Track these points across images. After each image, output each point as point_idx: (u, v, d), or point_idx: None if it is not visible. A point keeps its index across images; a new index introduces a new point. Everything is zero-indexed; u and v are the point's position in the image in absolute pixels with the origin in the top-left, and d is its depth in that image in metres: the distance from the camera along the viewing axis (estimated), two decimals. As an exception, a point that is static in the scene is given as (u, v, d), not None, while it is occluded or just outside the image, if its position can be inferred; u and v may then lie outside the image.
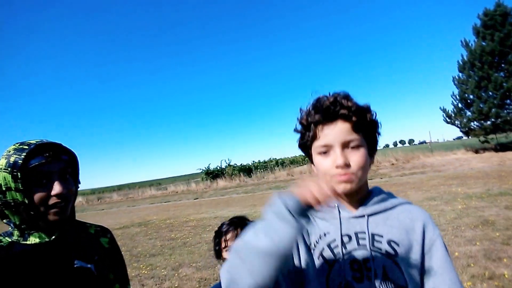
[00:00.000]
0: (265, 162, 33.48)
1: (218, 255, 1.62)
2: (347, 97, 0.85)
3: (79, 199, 33.21)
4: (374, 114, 0.88)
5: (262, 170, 29.61)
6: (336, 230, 0.89)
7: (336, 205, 0.91)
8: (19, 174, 0.91)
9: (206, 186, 27.28)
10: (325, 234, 0.90)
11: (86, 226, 1.16)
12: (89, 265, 1.02)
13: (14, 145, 0.96)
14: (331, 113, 0.82)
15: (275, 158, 35.23)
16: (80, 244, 1.06)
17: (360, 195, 0.90)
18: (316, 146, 0.86)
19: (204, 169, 31.14)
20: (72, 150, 1.06)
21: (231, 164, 31.11)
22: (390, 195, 0.96)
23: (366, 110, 0.86)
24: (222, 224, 1.68)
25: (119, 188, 52.38)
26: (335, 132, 0.82)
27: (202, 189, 26.27)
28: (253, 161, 33.31)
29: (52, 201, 0.94)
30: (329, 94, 0.87)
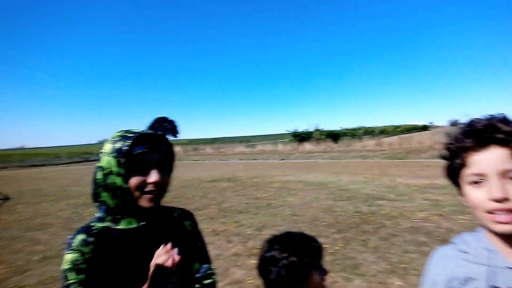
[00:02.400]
0: (353, 129, 32.14)
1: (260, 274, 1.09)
2: (505, 120, 0.73)
3: (177, 148, 36.41)
4: None
5: (349, 137, 28.50)
6: (483, 280, 0.71)
7: (489, 248, 0.74)
8: (121, 160, 0.95)
9: (293, 148, 27.37)
10: (467, 280, 0.74)
11: (170, 210, 1.18)
12: (176, 248, 1.01)
13: (119, 132, 1.01)
14: (486, 138, 0.71)
15: (364, 127, 33.54)
16: (166, 228, 1.09)
17: None
18: (467, 175, 0.74)
19: (292, 131, 31.16)
20: (171, 142, 1.09)
21: (319, 128, 30.56)
22: None
23: None
24: (271, 246, 1.09)
25: (213, 141, 55.96)
26: (491, 159, 0.70)
27: (289, 151, 26.43)
28: (341, 128, 32.29)
29: (148, 188, 0.97)
30: (484, 117, 0.75)
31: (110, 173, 0.97)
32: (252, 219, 6.21)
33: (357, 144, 25.00)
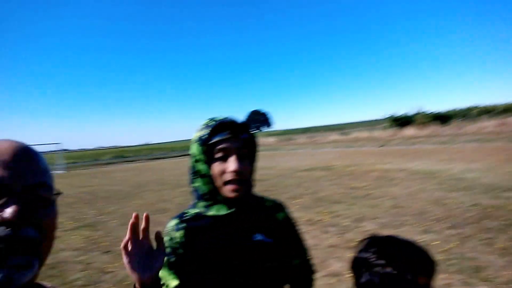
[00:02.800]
0: (465, 109, 28.57)
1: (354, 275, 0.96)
2: None
3: (272, 139, 37.45)
4: None
5: (460, 119, 25.57)
6: None
7: None
8: (203, 148, 0.99)
9: (392, 134, 25.85)
10: None
11: (263, 200, 1.16)
12: (268, 240, 1.04)
13: (206, 120, 1.04)
14: None
15: (479, 106, 29.38)
16: (258, 218, 1.08)
17: None
18: None
19: (390, 115, 29.34)
20: (252, 130, 1.06)
21: (422, 111, 28.09)
22: None
23: None
24: (368, 247, 0.95)
25: (305, 130, 56.01)
26: None
27: (387, 137, 25.04)
28: (450, 109, 29.01)
29: (228, 177, 0.96)
30: None
31: (197, 160, 1.01)
32: (349, 210, 6.10)
33: (471, 126, 22.36)
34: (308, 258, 1.18)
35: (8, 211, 0.51)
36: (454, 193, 6.66)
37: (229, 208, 1.01)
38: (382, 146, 20.16)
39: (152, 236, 0.83)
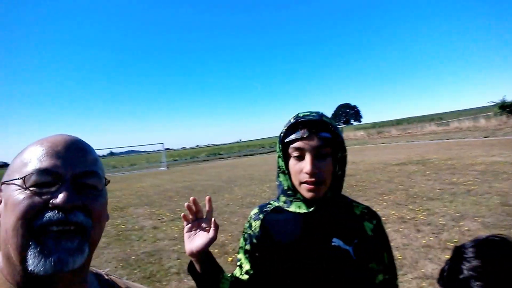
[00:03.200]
0: None
1: (445, 284, 0.83)
2: None
3: (360, 133, 35.97)
4: None
5: None
6: None
7: None
8: (280, 146, 1.01)
9: (500, 122, 22.67)
10: None
11: (352, 205, 1.06)
12: (347, 247, 0.96)
13: (293, 116, 1.02)
14: None
15: None
16: (341, 222, 1.00)
17: None
18: None
19: (498, 101, 25.72)
20: (336, 129, 0.98)
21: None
22: None
23: None
24: (464, 247, 0.81)
25: (398, 122, 52.52)
26: None
27: (495, 126, 22.07)
28: None
29: (303, 177, 0.94)
30: None
31: (279, 156, 1.03)
32: (447, 208, 5.61)
33: None
34: (394, 277, 1.02)
35: (60, 197, 0.55)
36: None
37: (309, 207, 0.99)
38: (486, 137, 17.82)
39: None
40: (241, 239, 1.12)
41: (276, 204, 1.08)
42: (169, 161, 33.20)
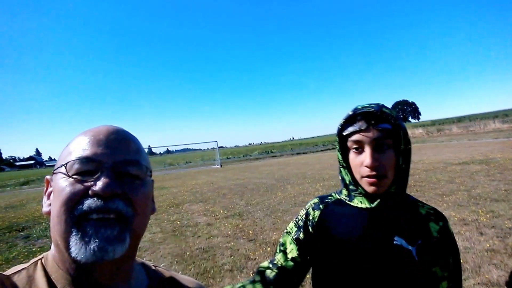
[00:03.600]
0: None
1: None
2: None
3: (419, 131, 34.14)
4: None
5: None
6: None
7: None
8: (338, 139, 1.00)
9: None
10: None
11: (417, 204, 1.00)
12: (410, 247, 0.90)
13: (359, 105, 0.97)
14: None
15: None
16: (405, 221, 0.94)
17: None
18: None
19: None
20: (398, 120, 0.92)
21: None
22: None
23: None
24: None
25: (459, 120, 48.94)
26: None
27: None
28: None
29: (364, 171, 0.91)
30: None
31: (338, 150, 1.01)
32: None
33: None
34: (459, 286, 0.95)
35: (99, 184, 0.55)
36: None
37: (371, 202, 0.95)
38: None
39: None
40: (292, 225, 1.11)
41: (337, 196, 1.06)
42: (223, 159, 34.25)
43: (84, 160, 0.58)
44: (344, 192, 1.03)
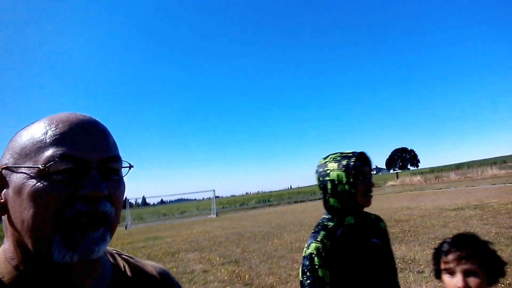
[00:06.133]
0: None
1: (437, 275, 1.31)
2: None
3: (417, 178, 34.33)
4: None
5: None
6: None
7: None
8: (352, 172, 1.29)
9: None
10: None
11: (368, 213, 1.49)
12: (379, 242, 1.35)
13: (336, 154, 1.39)
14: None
15: None
16: (371, 226, 1.41)
17: None
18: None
19: None
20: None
21: None
22: None
23: None
24: (444, 242, 1.32)
25: (458, 167, 49.49)
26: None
27: None
28: None
29: (370, 192, 1.33)
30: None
31: (340, 183, 1.30)
32: (502, 251, 5.28)
33: None
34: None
35: (88, 187, 0.51)
36: None
37: (355, 218, 1.35)
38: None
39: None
40: (316, 258, 1.25)
41: (332, 223, 1.35)
42: (219, 209, 33.82)
43: (65, 157, 0.51)
44: (335, 218, 1.35)
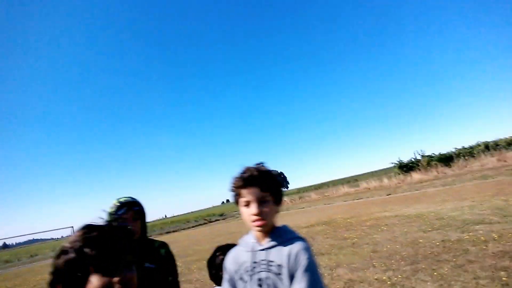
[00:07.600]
0: (470, 148, 28.26)
1: (216, 281, 1.71)
2: (257, 169, 1.33)
3: (285, 199, 37.42)
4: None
5: (466, 158, 25.37)
6: (249, 260, 1.31)
7: (252, 240, 1.34)
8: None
9: (399, 180, 25.75)
10: (242, 263, 1.33)
11: (152, 241, 1.78)
12: (152, 266, 1.62)
13: (115, 200, 1.77)
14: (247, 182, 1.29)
15: (484, 142, 29.02)
16: (149, 253, 1.67)
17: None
18: (241, 202, 1.31)
19: (397, 162, 29.36)
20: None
21: (425, 154, 28.03)
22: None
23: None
24: (216, 252, 1.76)
25: (319, 187, 55.79)
26: (251, 192, 1.28)
27: (395, 184, 24.98)
28: (455, 148, 28.75)
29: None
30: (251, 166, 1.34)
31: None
32: (330, 260, 6.39)
33: (474, 164, 22.35)
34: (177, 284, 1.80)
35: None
36: (430, 232, 6.99)
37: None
38: (389, 194, 20.06)
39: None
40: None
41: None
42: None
43: None
44: None
